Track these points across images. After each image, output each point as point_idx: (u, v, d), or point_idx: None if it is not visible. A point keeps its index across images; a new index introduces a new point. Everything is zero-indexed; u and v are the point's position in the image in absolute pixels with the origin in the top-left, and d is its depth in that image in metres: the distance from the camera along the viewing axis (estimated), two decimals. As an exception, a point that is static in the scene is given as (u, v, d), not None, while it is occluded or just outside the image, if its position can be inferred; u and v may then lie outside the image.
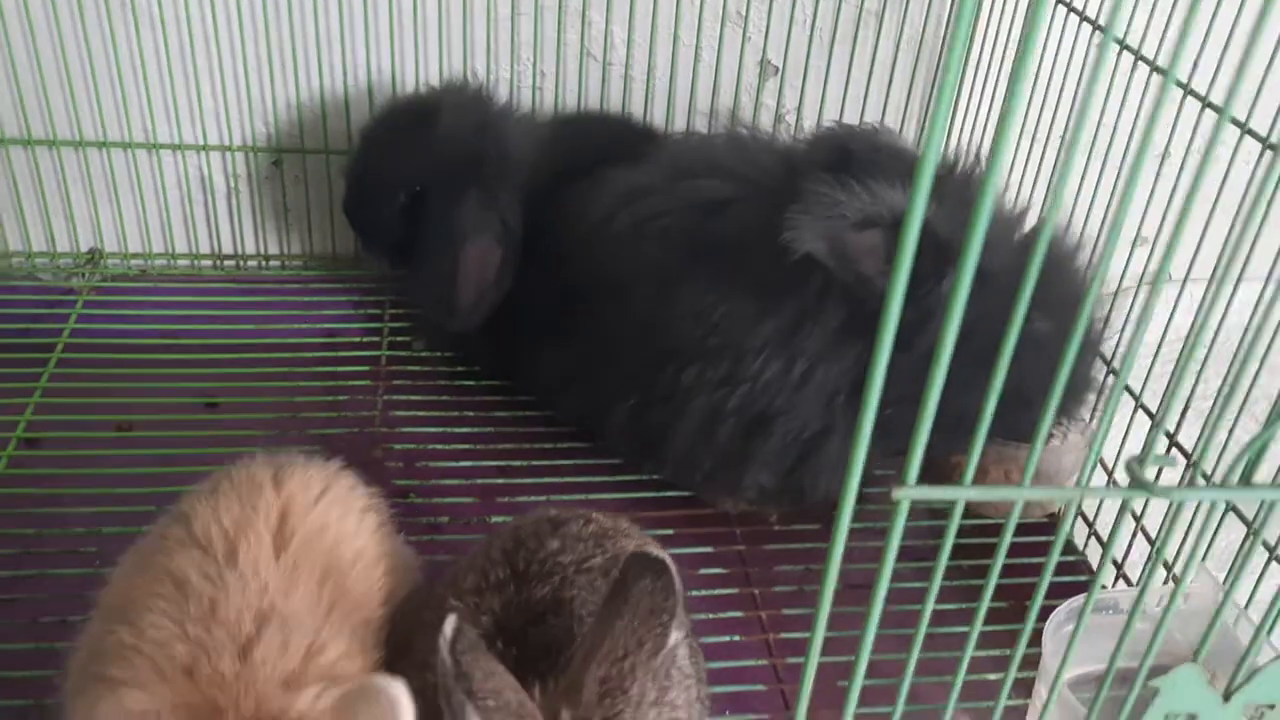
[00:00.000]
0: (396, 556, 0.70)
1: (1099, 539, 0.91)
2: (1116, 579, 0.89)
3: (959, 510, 0.47)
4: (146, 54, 1.07)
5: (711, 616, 0.84)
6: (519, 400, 1.02)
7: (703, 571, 0.88)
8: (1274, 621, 0.53)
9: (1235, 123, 0.79)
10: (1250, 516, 0.76)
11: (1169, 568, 0.82)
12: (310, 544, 0.63)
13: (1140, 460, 0.43)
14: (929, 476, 0.46)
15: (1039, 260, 0.36)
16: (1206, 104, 0.83)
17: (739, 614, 0.85)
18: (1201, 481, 0.61)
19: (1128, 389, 0.90)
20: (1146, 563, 0.89)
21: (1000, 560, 0.48)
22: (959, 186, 0.81)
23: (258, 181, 1.15)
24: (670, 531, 0.90)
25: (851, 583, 0.68)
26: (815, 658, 0.48)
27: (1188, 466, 0.68)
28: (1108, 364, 0.92)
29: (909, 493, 0.45)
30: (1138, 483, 0.42)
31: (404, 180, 0.96)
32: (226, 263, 1.18)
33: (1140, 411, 0.91)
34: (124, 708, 0.53)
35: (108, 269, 1.16)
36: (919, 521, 0.91)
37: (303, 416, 1.01)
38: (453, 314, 0.95)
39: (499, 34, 1.10)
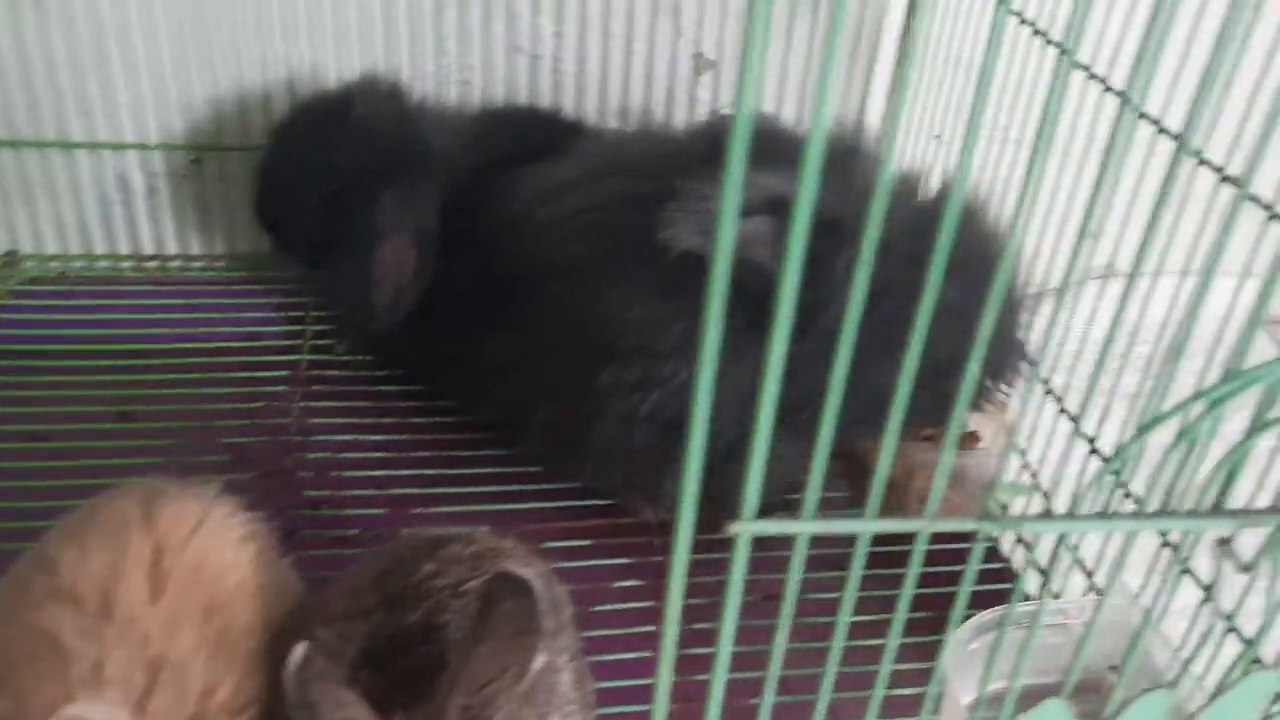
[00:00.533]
0: (278, 584, 0.67)
1: (1026, 544, 0.88)
2: (1042, 589, 0.86)
3: (802, 543, 0.44)
4: (58, 50, 1.04)
5: (625, 631, 0.81)
6: (438, 406, 0.99)
7: (618, 585, 0.85)
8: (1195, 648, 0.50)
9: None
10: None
11: (1090, 574, 0.79)
12: (189, 582, 0.61)
13: (992, 489, 0.40)
14: (849, 471, 0.44)
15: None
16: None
17: (652, 628, 0.82)
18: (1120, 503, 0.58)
19: (1050, 393, 0.87)
20: (1088, 579, 0.86)
21: (854, 580, 0.45)
22: (841, 159, 0.77)
23: (178, 180, 1.12)
24: (589, 542, 0.88)
25: (771, 593, 0.66)
26: (665, 678, 0.46)
27: (1107, 479, 0.65)
28: (1032, 363, 0.89)
29: (748, 528, 0.43)
30: (985, 514, 0.40)
31: (317, 179, 0.93)
32: (148, 264, 1.15)
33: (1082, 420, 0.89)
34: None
35: (25, 271, 1.13)
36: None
37: (217, 425, 0.98)
38: (370, 316, 0.93)
39: (423, 27, 1.07)
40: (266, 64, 1.07)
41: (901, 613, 0.47)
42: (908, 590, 0.43)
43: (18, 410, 0.96)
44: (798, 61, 1.13)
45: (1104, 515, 0.39)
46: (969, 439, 0.96)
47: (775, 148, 0.77)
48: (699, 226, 0.70)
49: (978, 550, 0.41)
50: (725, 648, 0.46)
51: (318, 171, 0.93)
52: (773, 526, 0.43)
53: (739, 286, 0.76)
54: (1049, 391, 0.85)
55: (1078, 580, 0.84)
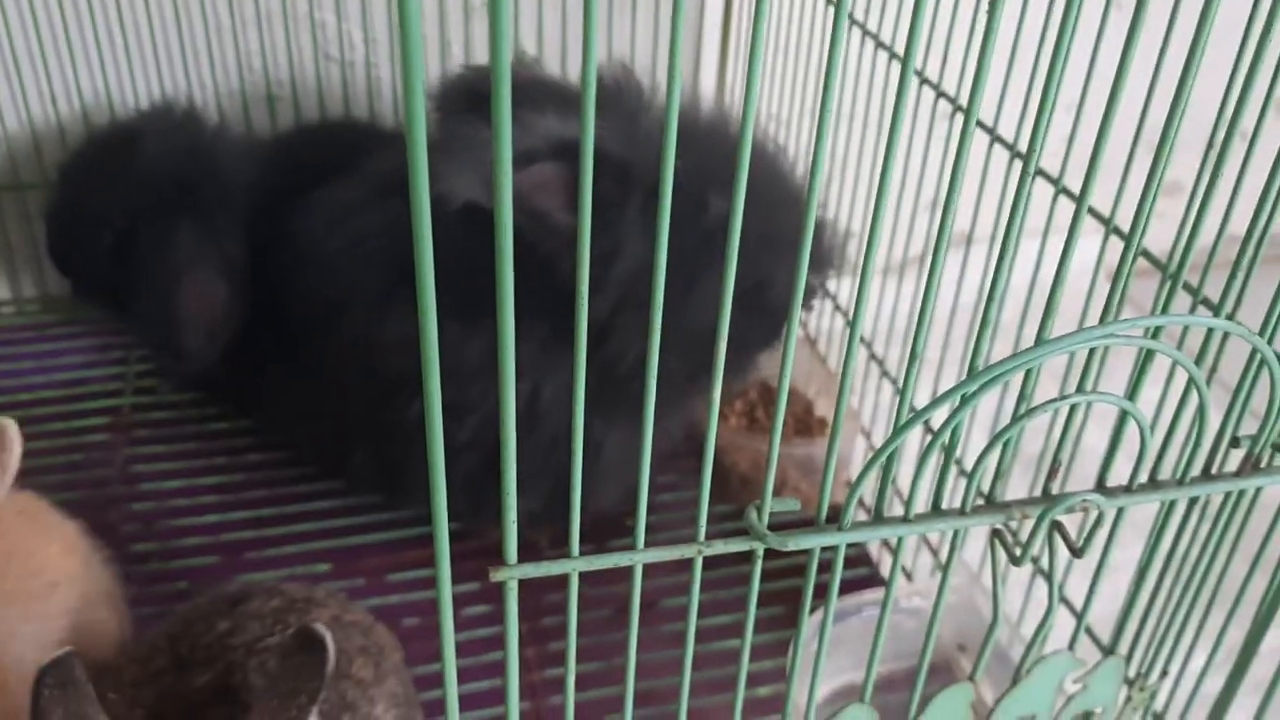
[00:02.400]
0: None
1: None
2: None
3: (574, 582, 0.42)
4: None
5: (473, 661, 0.78)
6: (272, 441, 0.94)
7: (467, 612, 0.82)
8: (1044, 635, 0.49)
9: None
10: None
11: (935, 552, 0.79)
12: None
13: (759, 508, 0.39)
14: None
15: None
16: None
17: (502, 654, 0.79)
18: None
19: (892, 381, 0.87)
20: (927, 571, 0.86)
21: (635, 609, 0.43)
22: (614, 97, 0.72)
23: (-24, 224, 1.05)
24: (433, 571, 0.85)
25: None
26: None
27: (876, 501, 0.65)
28: (869, 346, 0.89)
29: (513, 572, 0.40)
30: (754, 532, 0.38)
31: (107, 218, 0.86)
32: (-46, 315, 1.08)
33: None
34: None
35: None
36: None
37: (33, 483, 0.91)
38: (180, 358, 0.87)
39: (223, 44, 1.02)
40: (59, 95, 1.00)
41: (748, 634, 0.45)
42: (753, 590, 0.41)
43: None
44: (621, 45, 1.11)
45: (875, 522, 0.38)
46: (819, 426, 0.95)
47: (550, 93, 0.72)
48: (479, 174, 0.61)
49: (757, 567, 0.39)
50: (514, 695, 0.44)
51: (107, 211, 0.86)
52: (542, 569, 0.41)
53: (530, 254, 0.70)
54: (892, 382, 0.85)
55: (925, 559, 0.84)
